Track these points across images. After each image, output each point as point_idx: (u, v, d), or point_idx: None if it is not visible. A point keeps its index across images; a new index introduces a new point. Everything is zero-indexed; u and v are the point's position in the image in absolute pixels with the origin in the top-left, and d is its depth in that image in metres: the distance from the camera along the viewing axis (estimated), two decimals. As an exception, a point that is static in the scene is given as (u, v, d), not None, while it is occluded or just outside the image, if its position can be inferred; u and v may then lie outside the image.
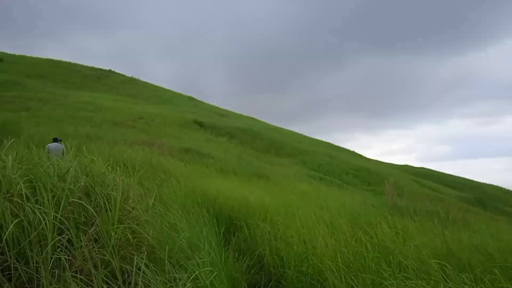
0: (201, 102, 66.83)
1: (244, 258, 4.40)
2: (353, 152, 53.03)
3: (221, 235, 4.75)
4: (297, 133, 55.31)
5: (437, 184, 38.27)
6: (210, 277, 2.59)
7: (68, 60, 70.88)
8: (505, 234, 4.68)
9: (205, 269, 2.63)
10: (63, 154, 9.52)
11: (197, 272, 2.57)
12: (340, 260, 3.68)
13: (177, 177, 8.34)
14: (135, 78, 73.68)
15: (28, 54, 67.56)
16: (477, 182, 47.24)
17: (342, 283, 3.37)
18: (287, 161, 30.61)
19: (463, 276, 3.09)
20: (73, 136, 17.80)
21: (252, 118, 61.93)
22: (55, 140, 11.24)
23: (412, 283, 2.97)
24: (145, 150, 14.51)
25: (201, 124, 38.94)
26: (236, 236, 5.56)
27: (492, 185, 46.84)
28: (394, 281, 2.99)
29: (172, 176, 8.46)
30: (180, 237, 3.27)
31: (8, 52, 64.47)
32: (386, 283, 3.02)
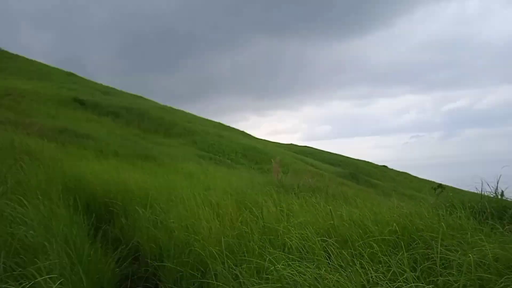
0: (83, 78, 61.17)
1: (118, 250, 3.89)
2: (243, 132, 54.13)
3: (90, 225, 4.13)
4: (188, 113, 54.25)
5: (318, 162, 41.17)
6: (57, 283, 2.07)
7: None
8: (380, 206, 4.90)
9: (49, 275, 2.09)
10: None
11: (37, 280, 2.03)
12: (224, 245, 3.41)
13: (44, 160, 7.26)
14: (2, 50, 64.41)
15: None
16: (352, 158, 52.04)
17: (225, 270, 3.10)
18: (177, 141, 29.81)
19: (345, 252, 3.06)
20: None
21: (140, 96, 58.82)
22: None
23: (296, 264, 2.82)
24: (9, 130, 12.59)
25: (81, 102, 35.64)
26: (111, 224, 4.98)
27: (364, 161, 52.10)
28: (276, 266, 2.80)
29: (38, 159, 7.34)
30: (26, 234, 2.64)
31: None
32: (271, 267, 2.83)
